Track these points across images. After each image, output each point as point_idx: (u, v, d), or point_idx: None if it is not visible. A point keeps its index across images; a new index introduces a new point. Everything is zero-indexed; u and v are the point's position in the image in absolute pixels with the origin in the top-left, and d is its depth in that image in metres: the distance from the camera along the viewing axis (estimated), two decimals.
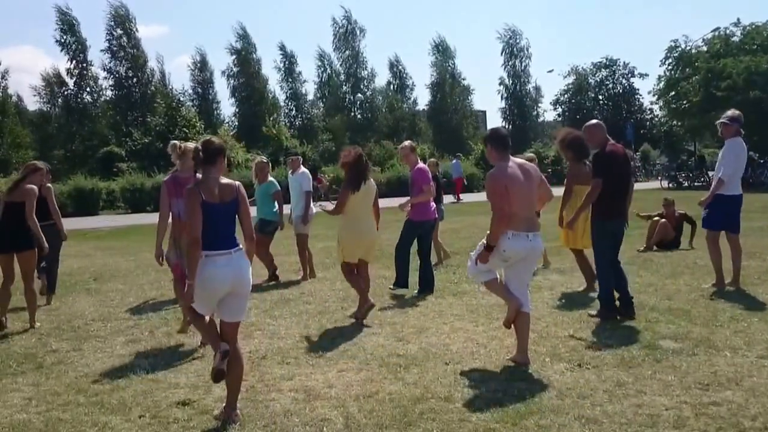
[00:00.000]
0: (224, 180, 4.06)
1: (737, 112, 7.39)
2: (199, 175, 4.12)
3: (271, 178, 8.90)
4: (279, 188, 8.78)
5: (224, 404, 4.03)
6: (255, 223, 8.80)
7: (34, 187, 6.61)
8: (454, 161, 29.21)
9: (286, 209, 8.89)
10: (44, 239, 6.61)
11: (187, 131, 34.74)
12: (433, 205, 7.71)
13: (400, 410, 4.00)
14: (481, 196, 23.46)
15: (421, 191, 7.40)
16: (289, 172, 9.34)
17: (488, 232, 4.78)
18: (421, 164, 7.68)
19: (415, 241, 7.69)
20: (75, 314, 7.06)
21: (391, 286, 7.66)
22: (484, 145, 5.10)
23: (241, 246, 4.03)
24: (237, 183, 4.10)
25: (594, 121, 6.58)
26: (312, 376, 4.72)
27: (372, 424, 3.83)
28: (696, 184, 28.34)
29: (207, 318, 4.16)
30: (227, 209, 3.99)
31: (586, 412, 3.88)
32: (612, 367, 4.68)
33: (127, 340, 5.92)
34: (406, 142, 7.97)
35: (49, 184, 7.61)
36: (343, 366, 4.93)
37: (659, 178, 31.92)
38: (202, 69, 49.71)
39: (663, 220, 10.28)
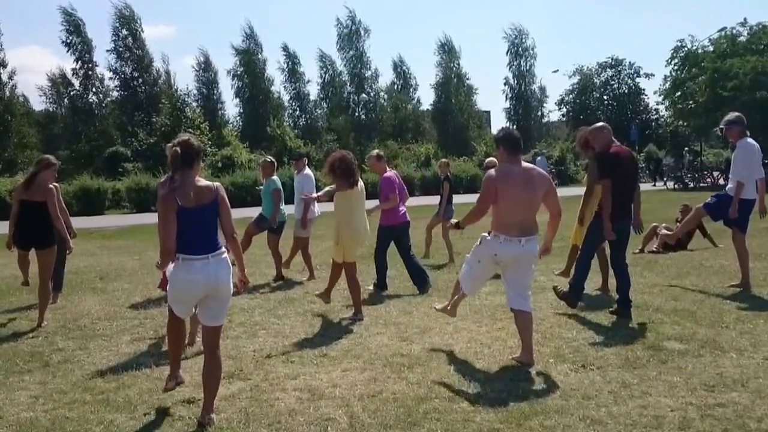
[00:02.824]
0: (202, 182, 3.98)
1: (735, 113, 7.40)
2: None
3: (274, 177, 8.96)
4: (278, 187, 8.82)
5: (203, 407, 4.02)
6: (256, 218, 8.92)
7: (51, 187, 6.69)
8: (539, 158, 29.46)
9: (290, 209, 8.98)
10: (69, 238, 6.99)
11: (192, 131, 34.79)
12: (402, 209, 7.87)
13: (404, 410, 4.00)
14: None
15: (387, 199, 7.63)
16: (295, 173, 9.39)
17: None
18: (389, 173, 7.87)
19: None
20: (81, 313, 7.08)
21: (369, 286, 7.80)
22: (496, 145, 5.10)
23: (223, 249, 4.00)
24: (216, 184, 4.04)
25: (599, 123, 6.68)
26: (316, 375, 4.73)
27: (376, 423, 3.83)
28: (702, 184, 28.34)
29: (185, 323, 4.32)
30: (205, 212, 3.92)
31: (591, 413, 3.88)
32: (617, 368, 4.68)
33: (132, 339, 5.94)
34: (374, 152, 8.09)
35: (56, 183, 7.65)
36: (347, 365, 4.94)
37: (664, 179, 31.92)
38: (206, 69, 49.81)
39: (665, 224, 10.52)
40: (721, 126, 7.40)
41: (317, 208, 9.12)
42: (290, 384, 4.56)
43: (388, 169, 7.95)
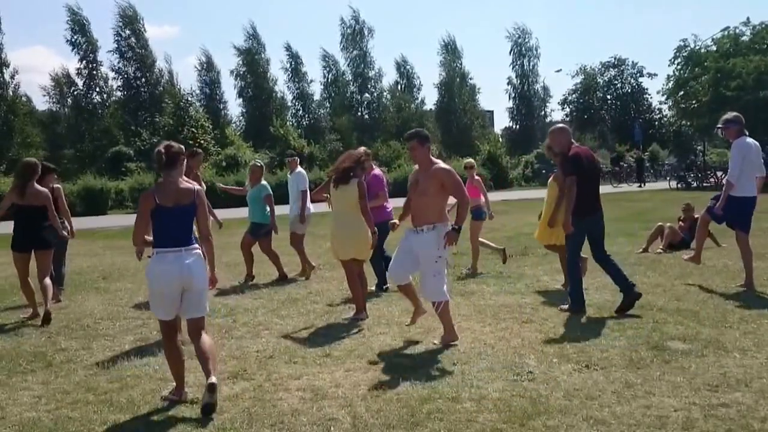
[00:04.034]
0: (184, 184, 4.26)
1: (733, 113, 7.46)
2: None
3: (263, 182, 9.05)
4: (270, 192, 8.93)
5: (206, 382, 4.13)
6: (248, 228, 8.90)
7: (45, 190, 6.88)
8: None
9: (285, 209, 9.06)
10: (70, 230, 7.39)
11: (195, 131, 34.85)
12: (388, 206, 7.88)
13: (408, 410, 4.00)
14: (490, 197, 23.39)
15: (376, 196, 7.61)
16: (288, 172, 9.53)
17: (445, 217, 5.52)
18: (376, 170, 7.89)
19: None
20: (84, 313, 7.10)
21: (372, 287, 7.76)
22: (420, 143, 5.49)
23: (196, 245, 4.24)
24: (197, 188, 4.31)
25: (560, 125, 6.84)
26: (319, 375, 4.73)
27: (379, 423, 3.83)
28: (705, 184, 28.29)
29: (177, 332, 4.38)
30: (182, 212, 4.20)
31: (594, 413, 3.87)
32: (620, 368, 4.67)
33: (135, 339, 5.95)
34: (361, 149, 8.05)
35: (58, 185, 7.72)
36: (350, 365, 4.94)
37: (668, 178, 31.91)
38: (208, 69, 49.88)
39: (669, 224, 10.50)
40: (719, 125, 7.45)
41: (311, 206, 9.15)
42: (293, 384, 4.56)
43: (374, 167, 7.98)
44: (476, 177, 9.22)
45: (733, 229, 7.40)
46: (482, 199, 9.07)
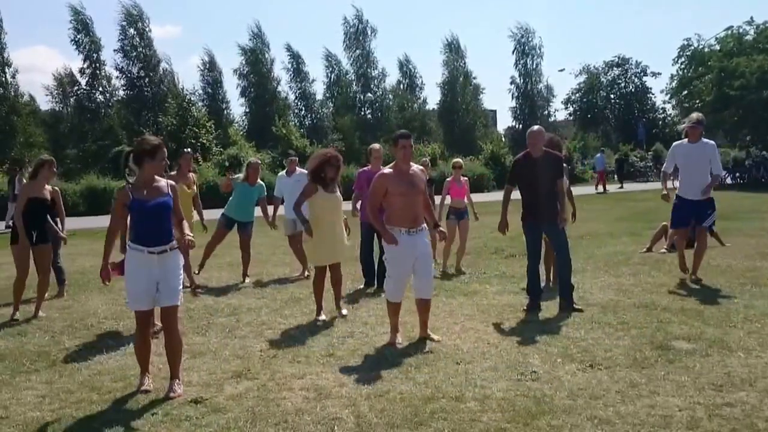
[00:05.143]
0: None
1: (700, 114, 7.85)
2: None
3: (262, 183, 9.05)
4: (266, 194, 9.05)
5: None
6: (245, 229, 8.92)
7: (56, 189, 7.22)
8: (598, 155, 30.39)
9: (280, 210, 9.12)
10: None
11: (197, 131, 34.87)
12: None
13: (411, 409, 4.00)
14: (492, 196, 23.41)
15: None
16: (285, 173, 9.32)
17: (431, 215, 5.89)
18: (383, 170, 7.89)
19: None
20: (87, 312, 7.11)
21: (375, 286, 7.83)
22: (412, 143, 5.66)
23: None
24: None
25: (536, 126, 6.83)
26: (323, 374, 4.73)
27: (383, 423, 3.83)
28: None
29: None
30: None
31: (599, 412, 3.86)
32: (624, 367, 4.66)
33: None
34: (376, 145, 8.01)
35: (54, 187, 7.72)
36: (353, 365, 4.94)
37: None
38: (211, 69, 49.87)
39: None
40: (688, 123, 7.71)
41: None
42: (297, 383, 4.56)
43: (381, 167, 7.96)
44: (463, 178, 9.27)
45: (694, 228, 7.71)
46: (466, 200, 9.23)
